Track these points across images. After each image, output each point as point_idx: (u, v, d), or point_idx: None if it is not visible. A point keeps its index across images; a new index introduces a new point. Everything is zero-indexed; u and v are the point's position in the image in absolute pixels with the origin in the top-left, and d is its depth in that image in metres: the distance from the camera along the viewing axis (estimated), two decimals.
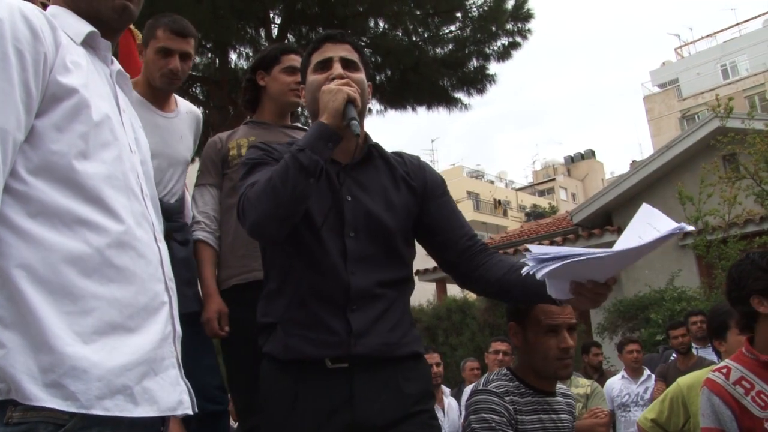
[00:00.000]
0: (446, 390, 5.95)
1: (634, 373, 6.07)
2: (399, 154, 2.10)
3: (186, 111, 2.90)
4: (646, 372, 6.09)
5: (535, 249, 1.63)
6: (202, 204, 2.83)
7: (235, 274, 2.69)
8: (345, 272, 1.84)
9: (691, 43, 40.25)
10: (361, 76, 1.95)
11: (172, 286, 1.43)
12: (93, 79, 1.37)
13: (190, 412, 1.39)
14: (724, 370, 2.36)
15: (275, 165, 1.81)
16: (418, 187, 2.02)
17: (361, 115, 1.90)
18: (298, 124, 3.09)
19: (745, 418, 2.24)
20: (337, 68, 1.91)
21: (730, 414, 2.26)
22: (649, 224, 1.59)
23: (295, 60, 2.84)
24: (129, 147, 1.42)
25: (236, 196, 1.94)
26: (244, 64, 12.13)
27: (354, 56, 1.96)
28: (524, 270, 1.66)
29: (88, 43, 1.43)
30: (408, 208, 1.99)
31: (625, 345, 6.33)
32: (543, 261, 1.62)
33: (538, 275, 1.63)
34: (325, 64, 1.93)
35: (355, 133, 1.74)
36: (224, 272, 2.77)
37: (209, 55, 12.62)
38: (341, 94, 1.76)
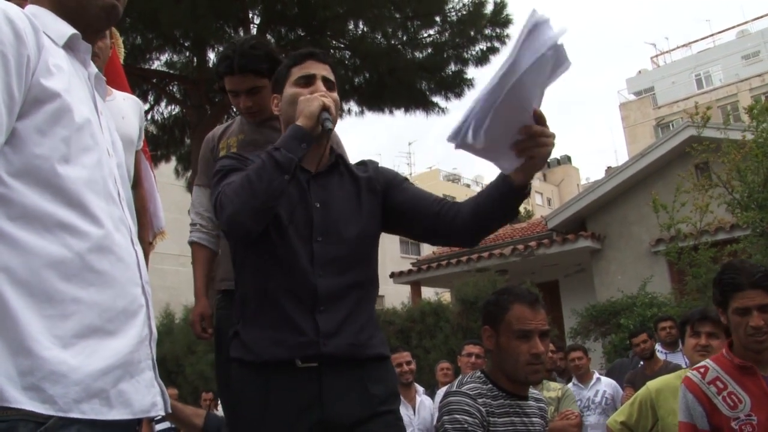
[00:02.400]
0: (419, 389, 5.93)
1: (582, 378, 6.16)
2: (360, 161, 2.22)
3: (123, 98, 2.88)
4: (596, 375, 6.18)
5: (450, 133, 1.69)
6: (198, 204, 2.83)
7: (225, 277, 2.69)
8: (312, 275, 1.92)
9: (666, 52, 40.90)
10: (336, 95, 2.08)
11: (149, 288, 1.44)
12: (74, 83, 1.37)
13: (163, 413, 1.40)
14: (702, 370, 2.49)
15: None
16: (379, 183, 2.13)
17: (333, 128, 2.05)
18: None
19: (715, 415, 2.36)
20: (320, 86, 2.03)
21: (701, 411, 2.39)
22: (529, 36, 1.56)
23: (232, 83, 2.71)
24: (107, 150, 1.43)
25: None
26: None
27: (332, 77, 2.10)
28: (455, 143, 1.71)
29: (68, 45, 1.42)
30: (373, 210, 2.08)
31: (568, 353, 6.43)
32: (463, 131, 1.66)
33: (469, 140, 1.66)
34: (308, 80, 2.05)
35: (327, 127, 1.91)
36: (219, 273, 2.78)
37: (187, 53, 12.55)
38: (317, 102, 1.93)
